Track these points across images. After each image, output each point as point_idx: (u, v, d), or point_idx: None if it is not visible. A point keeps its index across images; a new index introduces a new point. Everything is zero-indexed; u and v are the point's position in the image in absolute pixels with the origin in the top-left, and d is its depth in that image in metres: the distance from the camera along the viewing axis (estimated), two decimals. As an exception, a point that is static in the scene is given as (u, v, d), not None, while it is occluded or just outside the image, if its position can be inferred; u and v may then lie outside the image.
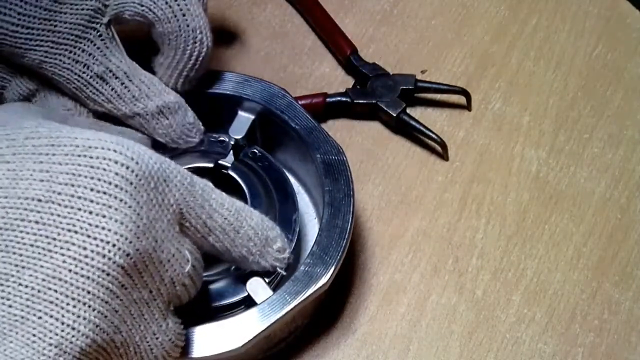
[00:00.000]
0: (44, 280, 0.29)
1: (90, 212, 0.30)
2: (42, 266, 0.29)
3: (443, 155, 0.49)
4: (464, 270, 0.44)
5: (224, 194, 0.36)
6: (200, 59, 0.42)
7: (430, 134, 0.48)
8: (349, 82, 0.52)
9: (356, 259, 0.45)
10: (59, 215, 0.30)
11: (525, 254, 0.45)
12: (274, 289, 0.38)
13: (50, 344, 0.29)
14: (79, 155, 0.31)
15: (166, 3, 0.40)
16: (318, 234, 0.39)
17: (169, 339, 0.33)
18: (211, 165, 0.43)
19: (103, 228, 0.30)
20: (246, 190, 0.42)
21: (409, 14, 0.56)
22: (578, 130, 0.50)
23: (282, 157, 0.46)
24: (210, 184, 0.35)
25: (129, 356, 0.32)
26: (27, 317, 0.29)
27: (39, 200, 0.30)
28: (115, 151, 0.31)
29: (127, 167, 0.31)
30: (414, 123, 0.49)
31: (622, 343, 0.42)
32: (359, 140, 0.50)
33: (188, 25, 0.41)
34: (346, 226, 0.40)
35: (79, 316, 0.29)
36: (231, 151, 0.44)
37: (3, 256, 0.29)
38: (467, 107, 0.51)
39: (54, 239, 0.29)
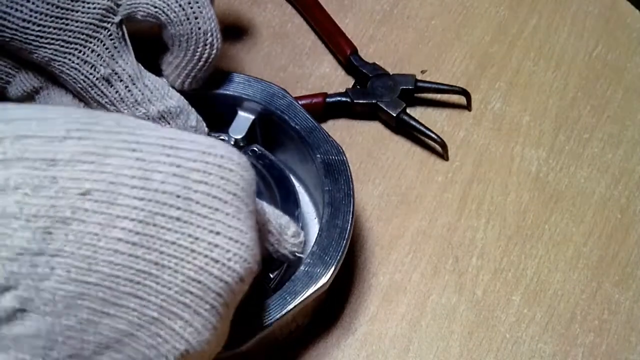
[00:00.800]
0: (184, 281, 0.28)
1: (227, 214, 0.29)
2: (184, 267, 0.28)
3: (443, 155, 0.49)
4: (464, 270, 0.44)
5: None
6: (210, 61, 0.42)
7: (430, 134, 0.48)
8: (349, 82, 0.52)
9: (356, 259, 0.45)
10: (199, 215, 0.28)
11: (525, 254, 0.45)
12: (274, 289, 0.38)
13: (175, 347, 0.28)
14: (204, 152, 0.29)
15: (179, 5, 0.40)
16: (318, 234, 0.39)
17: (221, 349, 0.32)
18: None
19: (241, 231, 0.29)
20: None
21: (409, 14, 0.56)
22: (578, 130, 0.50)
23: (282, 157, 0.46)
24: None
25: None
26: (160, 318, 0.27)
27: (178, 196, 0.28)
28: (234, 154, 0.30)
29: (247, 171, 0.30)
30: (414, 123, 0.49)
31: (622, 343, 0.42)
32: (359, 140, 0.50)
33: (200, 29, 0.41)
34: (346, 226, 0.40)
35: (207, 321, 0.28)
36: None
37: (144, 252, 0.27)
38: (467, 107, 0.51)
39: (197, 238, 0.28)
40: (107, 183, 0.27)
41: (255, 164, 0.44)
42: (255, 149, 0.45)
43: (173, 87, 0.43)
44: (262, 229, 0.35)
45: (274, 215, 0.36)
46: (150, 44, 0.42)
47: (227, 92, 0.45)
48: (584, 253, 0.45)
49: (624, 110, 0.51)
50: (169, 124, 0.41)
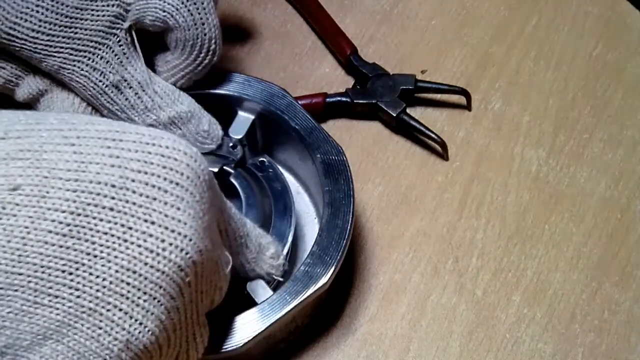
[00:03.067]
0: (117, 271, 0.28)
1: (166, 203, 0.29)
2: (116, 256, 0.28)
3: (443, 155, 0.49)
4: (464, 270, 0.44)
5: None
6: (209, 66, 0.42)
7: (430, 134, 0.48)
8: (349, 82, 0.52)
9: (356, 259, 0.45)
10: (134, 204, 0.28)
11: (525, 254, 0.45)
12: (274, 289, 0.38)
13: (116, 339, 0.28)
14: (148, 144, 0.29)
15: (188, 11, 0.40)
16: (318, 234, 0.39)
17: (202, 340, 0.33)
18: (215, 169, 0.43)
19: (179, 221, 0.29)
20: (243, 200, 0.42)
21: (409, 14, 0.56)
22: (578, 130, 0.50)
23: (282, 157, 0.46)
24: None
25: (176, 357, 0.31)
26: (96, 309, 0.28)
27: (113, 186, 0.28)
28: (182, 144, 0.30)
29: (195, 161, 0.30)
30: (414, 123, 0.49)
31: (622, 343, 0.42)
32: (359, 140, 0.50)
33: (205, 35, 0.41)
34: (346, 226, 0.40)
35: (147, 311, 0.28)
36: (239, 158, 0.44)
37: (75, 243, 0.27)
38: (467, 107, 0.51)
39: (130, 228, 0.28)
40: (40, 177, 0.28)
41: (259, 175, 0.44)
42: (264, 159, 0.45)
43: (183, 91, 0.43)
44: (237, 243, 0.35)
45: (255, 232, 0.37)
46: (152, 44, 0.42)
47: (227, 92, 0.45)
48: (584, 253, 0.45)
49: (624, 110, 0.51)
50: (180, 129, 0.42)
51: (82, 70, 0.40)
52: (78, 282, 0.27)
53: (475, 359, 0.41)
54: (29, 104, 0.43)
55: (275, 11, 0.56)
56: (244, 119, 0.45)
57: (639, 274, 0.44)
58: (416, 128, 0.49)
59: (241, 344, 0.36)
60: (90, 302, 0.28)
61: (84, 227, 0.28)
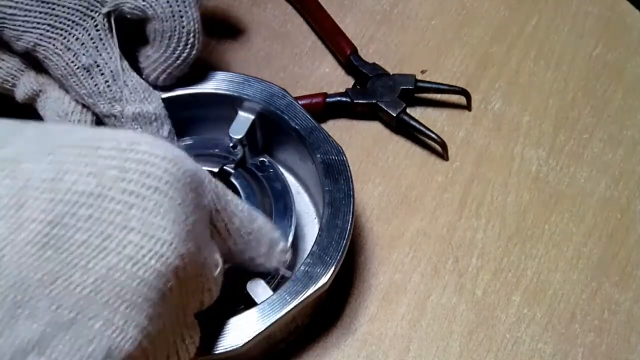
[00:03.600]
0: (95, 280, 0.27)
1: (144, 210, 0.28)
2: (95, 265, 0.27)
3: (443, 155, 0.49)
4: (464, 270, 0.44)
5: (236, 196, 0.35)
6: (188, 60, 0.42)
7: (430, 134, 0.48)
8: (349, 82, 0.52)
9: (356, 259, 0.45)
10: (112, 212, 0.28)
11: (525, 254, 0.45)
12: (274, 289, 0.38)
13: (99, 348, 0.27)
14: (125, 150, 0.29)
15: (167, 2, 0.40)
16: (318, 234, 0.39)
17: (192, 341, 0.32)
18: (216, 169, 0.43)
19: (159, 226, 0.28)
20: (243, 200, 0.41)
21: (409, 14, 0.56)
22: (578, 130, 0.50)
23: (282, 157, 0.46)
24: (225, 187, 0.35)
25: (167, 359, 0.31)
26: (76, 319, 0.27)
27: (90, 195, 0.27)
28: (160, 148, 0.30)
29: (175, 164, 0.30)
30: (414, 123, 0.49)
31: (622, 343, 0.42)
32: (359, 140, 0.50)
33: (183, 27, 0.41)
34: (346, 226, 0.40)
35: (128, 319, 0.28)
36: (240, 158, 0.44)
37: (53, 253, 0.27)
38: (467, 107, 0.51)
39: (109, 236, 0.28)
40: (17, 188, 0.27)
41: (260, 176, 0.44)
42: (264, 159, 0.45)
43: (156, 90, 0.43)
44: (245, 240, 0.35)
45: (267, 227, 0.37)
46: (130, 36, 0.43)
47: (227, 92, 0.45)
48: (584, 253, 0.45)
49: (624, 110, 0.51)
50: (140, 128, 0.42)
51: (57, 48, 0.40)
52: (57, 293, 0.27)
53: (475, 359, 0.41)
54: (30, 105, 0.43)
55: (275, 11, 0.56)
56: (244, 119, 0.45)
57: (639, 274, 0.44)
58: (416, 128, 0.49)
59: (241, 344, 0.36)
60: (70, 312, 0.27)
61: (62, 236, 0.27)
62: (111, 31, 0.41)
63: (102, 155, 0.29)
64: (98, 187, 0.28)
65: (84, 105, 0.42)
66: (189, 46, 0.42)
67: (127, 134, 0.30)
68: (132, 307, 0.28)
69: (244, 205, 0.36)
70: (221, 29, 0.54)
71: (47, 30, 0.40)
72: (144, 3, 0.40)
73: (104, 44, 0.41)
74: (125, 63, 0.42)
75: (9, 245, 0.26)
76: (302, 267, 0.38)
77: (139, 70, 0.43)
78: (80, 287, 0.27)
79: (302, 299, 0.37)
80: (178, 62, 0.42)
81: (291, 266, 0.39)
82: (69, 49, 0.40)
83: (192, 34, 0.42)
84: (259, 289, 0.38)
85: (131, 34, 0.43)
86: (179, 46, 0.42)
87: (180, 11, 0.41)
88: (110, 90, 0.41)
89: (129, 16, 0.41)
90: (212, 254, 0.33)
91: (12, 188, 0.27)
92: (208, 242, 0.32)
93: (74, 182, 0.28)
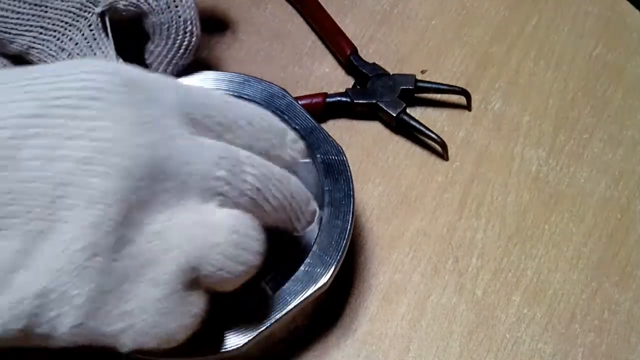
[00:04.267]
0: (54, 188, 0.28)
1: (85, 118, 0.29)
2: (49, 175, 0.28)
3: (443, 155, 0.49)
4: (464, 270, 0.44)
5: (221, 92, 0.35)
6: (190, 48, 0.43)
7: (430, 134, 0.48)
8: (349, 82, 0.52)
9: (356, 259, 0.45)
10: (55, 126, 0.29)
11: (525, 254, 0.45)
12: (274, 289, 0.38)
13: (79, 249, 0.28)
14: (63, 74, 0.30)
15: None
16: (318, 234, 0.39)
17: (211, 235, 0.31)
18: None
19: (102, 127, 0.29)
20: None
21: (409, 14, 0.56)
22: (578, 130, 0.50)
23: (282, 157, 0.46)
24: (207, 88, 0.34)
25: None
26: (47, 228, 0.28)
27: (33, 116, 0.29)
28: (98, 65, 0.30)
29: (114, 74, 0.30)
30: (414, 123, 0.49)
31: (622, 343, 0.42)
32: (359, 140, 0.50)
33: (180, 17, 0.41)
34: (346, 226, 0.40)
35: (99, 216, 0.28)
36: None
37: (7, 175, 0.28)
38: (467, 107, 0.51)
39: (55, 147, 0.29)
40: None
41: None
42: None
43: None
44: (255, 127, 0.34)
45: (269, 117, 0.36)
46: (133, 35, 0.43)
47: (227, 92, 0.44)
48: (584, 253, 0.45)
49: (624, 110, 0.51)
50: None
51: (51, 50, 0.40)
52: (22, 210, 0.28)
53: (475, 359, 0.41)
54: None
55: (275, 11, 0.56)
56: (244, 119, 0.45)
57: (639, 274, 0.44)
58: (416, 128, 0.49)
59: (241, 344, 0.36)
60: (40, 223, 0.28)
61: (12, 157, 0.28)
62: (105, 30, 0.41)
63: (41, 82, 0.30)
64: (39, 107, 0.29)
65: None
66: (188, 34, 0.42)
67: (67, 63, 0.31)
68: (98, 206, 0.28)
69: (234, 98, 0.35)
70: (221, 29, 0.54)
71: (41, 33, 0.40)
72: None
73: (98, 44, 0.41)
74: (120, 61, 0.42)
75: None
76: (302, 267, 0.38)
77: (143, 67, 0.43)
78: (40, 199, 0.28)
79: (302, 299, 0.37)
80: (181, 51, 0.43)
81: (291, 266, 0.39)
82: (63, 49, 0.40)
83: (189, 22, 0.42)
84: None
85: (134, 32, 0.43)
86: (178, 35, 0.42)
87: (174, 1, 0.41)
88: None
89: (124, 13, 0.41)
90: (200, 145, 0.32)
91: None
92: (189, 137, 0.32)
93: (17, 110, 0.29)
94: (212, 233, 0.31)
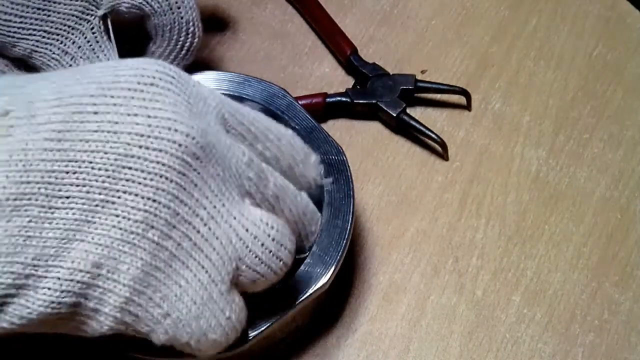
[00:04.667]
0: (116, 160, 0.29)
1: (144, 99, 0.30)
2: (111, 147, 0.29)
3: (443, 155, 0.49)
4: (464, 270, 0.44)
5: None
6: (192, 49, 0.43)
7: (430, 134, 0.48)
8: (349, 82, 0.52)
9: (356, 259, 0.45)
10: (114, 104, 0.30)
11: (525, 254, 0.45)
12: (274, 289, 0.38)
13: (136, 220, 0.29)
14: (116, 67, 0.31)
15: None
16: (318, 233, 0.39)
17: (247, 224, 0.32)
18: None
19: (160, 109, 0.30)
20: None
21: (409, 14, 0.56)
22: (578, 130, 0.50)
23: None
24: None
25: (205, 233, 0.31)
26: (107, 198, 0.29)
27: (92, 96, 0.30)
28: (149, 62, 0.32)
29: (165, 68, 0.32)
30: (414, 123, 0.49)
31: (622, 343, 0.42)
32: (359, 140, 0.50)
33: (182, 18, 0.42)
34: (346, 226, 0.40)
35: (158, 188, 0.30)
36: None
37: (71, 145, 0.29)
38: (467, 107, 0.51)
39: (117, 122, 0.30)
40: (26, 102, 0.30)
41: None
42: None
43: None
44: (283, 142, 0.35)
45: (296, 137, 0.36)
46: (136, 35, 0.43)
47: (227, 92, 0.45)
48: (584, 253, 0.45)
49: (624, 110, 0.51)
50: None
51: (54, 53, 0.40)
52: (84, 179, 0.29)
53: (475, 359, 0.41)
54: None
55: (275, 11, 0.56)
56: (244, 119, 0.45)
57: (639, 274, 0.44)
58: (416, 128, 0.49)
59: (241, 344, 0.36)
60: (99, 194, 0.29)
61: (74, 130, 0.29)
62: (108, 32, 0.41)
63: (95, 73, 0.31)
64: (98, 89, 0.30)
65: None
66: (190, 35, 0.42)
67: (122, 60, 0.33)
68: (158, 178, 0.30)
69: (265, 116, 0.36)
70: (221, 29, 0.54)
71: (44, 37, 0.40)
72: (140, 1, 0.41)
73: (100, 46, 0.41)
74: None
75: (30, 144, 0.29)
76: (302, 267, 0.38)
77: None
78: (103, 169, 0.29)
79: (302, 299, 0.37)
80: (183, 52, 0.43)
81: (291, 266, 0.39)
82: (66, 53, 0.40)
83: (191, 23, 0.42)
84: None
85: (135, 32, 0.43)
86: (180, 37, 0.42)
87: (176, 2, 0.41)
88: None
89: (126, 15, 0.41)
90: (232, 142, 0.32)
91: (21, 104, 0.30)
92: (224, 133, 0.33)
93: (75, 91, 0.30)
94: (255, 227, 0.32)
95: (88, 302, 0.30)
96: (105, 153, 0.29)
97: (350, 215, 0.40)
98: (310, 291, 0.37)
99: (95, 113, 0.30)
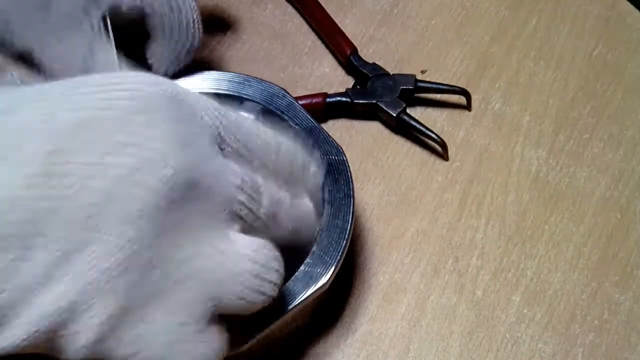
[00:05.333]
0: (103, 195, 0.28)
1: (134, 133, 0.29)
2: (99, 182, 0.28)
3: (443, 155, 0.49)
4: (464, 270, 0.44)
5: (247, 118, 0.35)
6: (191, 50, 0.43)
7: (430, 134, 0.48)
8: (349, 82, 0.52)
9: (356, 259, 0.45)
10: (106, 131, 0.29)
11: (525, 254, 0.45)
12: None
13: (114, 261, 0.28)
14: (108, 84, 0.30)
15: None
16: (318, 234, 0.39)
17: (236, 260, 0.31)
18: None
19: (151, 138, 0.29)
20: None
21: (409, 14, 0.56)
22: (578, 130, 0.50)
23: (282, 157, 0.46)
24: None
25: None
26: (87, 239, 0.28)
27: (82, 123, 0.29)
28: (142, 76, 0.31)
29: (161, 87, 0.31)
30: (414, 123, 0.49)
31: (622, 343, 0.42)
32: (359, 140, 0.50)
33: (182, 19, 0.42)
34: (346, 226, 0.40)
35: (138, 229, 0.29)
36: None
37: (56, 183, 0.28)
38: (467, 107, 0.51)
39: (108, 153, 0.29)
40: (14, 131, 0.29)
41: None
42: None
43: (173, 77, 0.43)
44: (281, 155, 0.35)
45: (296, 147, 0.36)
46: (135, 34, 0.43)
47: (227, 92, 0.45)
48: (584, 253, 0.45)
49: (624, 110, 0.51)
50: None
51: (53, 52, 0.40)
52: (68, 217, 0.28)
53: (475, 359, 0.41)
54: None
55: (275, 11, 0.56)
56: (244, 119, 0.45)
57: (639, 274, 0.44)
58: (416, 128, 0.49)
59: (241, 344, 0.36)
60: (83, 230, 0.28)
61: (63, 162, 0.28)
62: (107, 32, 0.41)
63: (86, 92, 0.30)
64: (87, 118, 0.29)
65: None
66: (190, 36, 0.43)
67: (107, 74, 0.31)
68: (139, 218, 0.29)
69: (264, 126, 0.35)
70: (221, 29, 0.54)
71: (43, 35, 0.40)
72: (141, 1, 0.41)
73: (100, 46, 0.41)
74: (123, 63, 0.42)
75: (16, 178, 0.28)
76: (302, 267, 0.38)
77: (143, 68, 0.43)
78: (88, 204, 0.28)
79: (302, 299, 0.37)
80: (182, 52, 0.43)
81: (291, 267, 0.39)
82: (66, 51, 0.40)
83: (192, 24, 0.42)
84: None
85: (135, 32, 0.43)
86: (180, 38, 0.42)
87: (177, 4, 0.41)
88: None
89: (127, 15, 0.41)
90: (225, 166, 0.32)
91: (9, 131, 0.29)
92: (217, 157, 0.32)
93: (65, 118, 0.29)
94: (234, 262, 0.31)
95: (60, 340, 0.29)
96: (92, 190, 0.28)
97: (350, 215, 0.40)
98: (310, 291, 0.37)
99: (84, 142, 0.29)
